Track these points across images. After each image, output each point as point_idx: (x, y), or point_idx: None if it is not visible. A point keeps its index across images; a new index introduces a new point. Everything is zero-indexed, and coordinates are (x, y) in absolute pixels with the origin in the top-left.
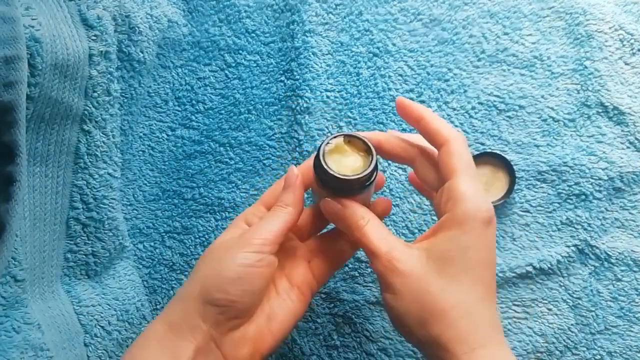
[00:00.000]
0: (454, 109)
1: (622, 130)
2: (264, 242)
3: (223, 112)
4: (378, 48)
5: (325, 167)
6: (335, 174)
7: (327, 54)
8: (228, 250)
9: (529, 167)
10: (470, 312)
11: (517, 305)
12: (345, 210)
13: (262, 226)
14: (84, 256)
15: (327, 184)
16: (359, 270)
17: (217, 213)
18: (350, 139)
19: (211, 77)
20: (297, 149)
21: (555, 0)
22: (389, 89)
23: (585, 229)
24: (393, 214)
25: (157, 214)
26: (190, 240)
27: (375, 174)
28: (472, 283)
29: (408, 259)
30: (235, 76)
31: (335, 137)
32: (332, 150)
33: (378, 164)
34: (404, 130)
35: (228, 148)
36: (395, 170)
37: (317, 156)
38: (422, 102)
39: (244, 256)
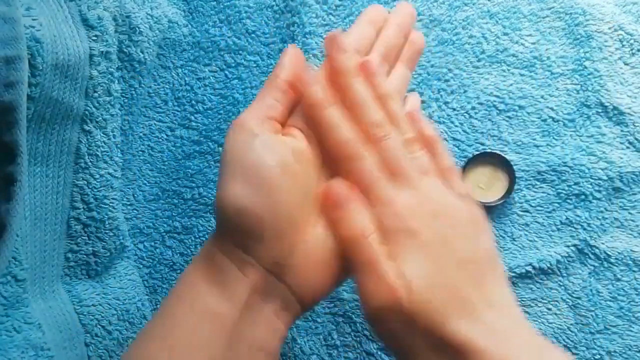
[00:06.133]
0: (454, 109)
1: (622, 130)
2: None
3: (222, 112)
4: None
5: None
6: None
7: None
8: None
9: (528, 167)
10: None
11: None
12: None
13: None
14: (84, 256)
15: None
16: None
17: None
18: None
19: (211, 78)
20: None
21: (555, 1)
22: None
23: (584, 229)
24: None
25: (157, 213)
26: (190, 240)
27: None
28: None
29: None
30: (235, 76)
31: None
32: None
33: None
34: None
35: None
36: None
37: None
38: (423, 102)
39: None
